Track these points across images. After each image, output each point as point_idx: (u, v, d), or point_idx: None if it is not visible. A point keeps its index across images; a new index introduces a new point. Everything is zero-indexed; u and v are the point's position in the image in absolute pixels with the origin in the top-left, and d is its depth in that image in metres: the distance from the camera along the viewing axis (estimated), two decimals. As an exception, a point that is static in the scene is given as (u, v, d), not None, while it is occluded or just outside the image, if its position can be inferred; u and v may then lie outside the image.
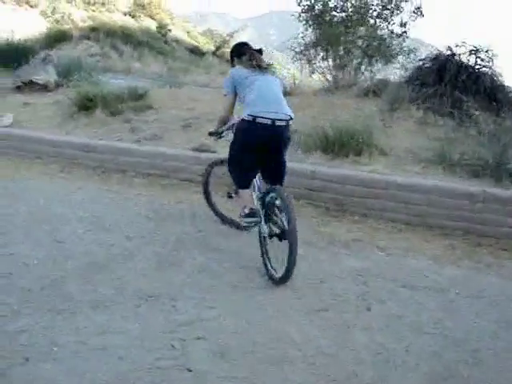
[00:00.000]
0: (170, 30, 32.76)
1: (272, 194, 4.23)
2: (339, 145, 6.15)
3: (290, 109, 4.31)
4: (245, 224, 4.45)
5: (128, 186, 6.06)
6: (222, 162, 5.05)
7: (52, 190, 6.03)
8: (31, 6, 30.80)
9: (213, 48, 33.70)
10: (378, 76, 10.05)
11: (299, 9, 10.25)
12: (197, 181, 5.99)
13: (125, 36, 24.04)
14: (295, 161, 6.03)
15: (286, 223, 3.93)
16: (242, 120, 4.28)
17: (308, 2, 10.04)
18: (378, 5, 10.26)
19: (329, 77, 10.20)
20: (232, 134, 4.57)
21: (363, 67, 10.29)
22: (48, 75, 9.65)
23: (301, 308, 3.67)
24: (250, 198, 4.51)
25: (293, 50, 10.52)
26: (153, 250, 4.54)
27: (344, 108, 7.31)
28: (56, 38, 21.28)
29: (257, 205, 4.41)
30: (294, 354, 3.12)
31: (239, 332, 3.32)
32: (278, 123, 4.19)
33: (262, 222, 4.29)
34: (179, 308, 3.61)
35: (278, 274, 4.02)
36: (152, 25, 33.61)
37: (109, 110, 7.63)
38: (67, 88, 9.25)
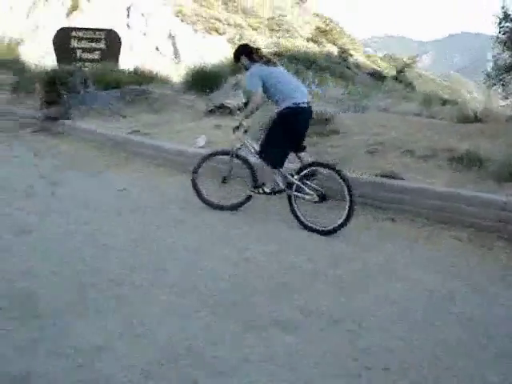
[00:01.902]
0: (351, 55, 33.05)
1: (314, 168, 5.62)
2: (537, 176, 5.75)
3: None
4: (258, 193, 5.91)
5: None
6: (213, 154, 6.35)
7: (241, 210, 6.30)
8: (220, 34, 32.86)
9: (393, 72, 33.35)
10: None
11: (489, 30, 9.88)
12: (381, 207, 5.96)
13: (307, 61, 24.59)
14: (485, 191, 5.75)
15: (345, 189, 5.28)
16: (288, 107, 5.50)
17: (509, 24, 9.58)
18: None
19: (525, 102, 9.62)
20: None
21: None
22: (237, 99, 10.14)
23: (490, 349, 3.46)
24: (276, 178, 5.80)
25: (485, 74, 10.09)
26: (339, 275, 4.55)
27: (542, 136, 6.83)
28: (242, 64, 22.25)
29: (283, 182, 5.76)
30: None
31: (426, 367, 3.21)
32: (310, 104, 5.67)
33: (307, 190, 5.58)
34: (364, 335, 3.57)
35: (328, 227, 5.44)
36: (333, 50, 34.15)
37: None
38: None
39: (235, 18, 35.53)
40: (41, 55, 29.37)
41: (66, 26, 23.31)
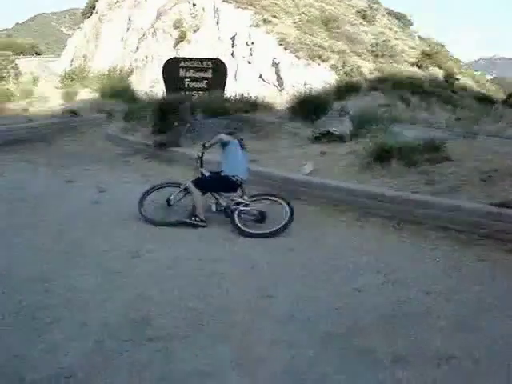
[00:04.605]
0: (457, 79, 32.14)
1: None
2: None
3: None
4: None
5: (424, 240, 5.97)
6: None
7: (347, 238, 6.25)
8: (323, 61, 32.97)
9: (503, 96, 32.06)
10: None
11: None
12: (498, 238, 5.68)
13: (411, 86, 24.15)
14: None
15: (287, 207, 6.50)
16: (227, 175, 6.88)
17: None
18: None
19: None
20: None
21: None
22: (343, 126, 10.06)
23: None
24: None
25: None
26: (452, 309, 4.38)
27: None
28: (345, 90, 22.20)
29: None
30: None
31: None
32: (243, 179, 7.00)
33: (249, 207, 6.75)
34: (481, 373, 3.41)
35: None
36: (439, 74, 33.37)
37: (404, 160, 7.64)
38: (362, 138, 9.48)
39: (338, 44, 35.54)
40: (150, 84, 30.77)
41: (174, 56, 24.27)
